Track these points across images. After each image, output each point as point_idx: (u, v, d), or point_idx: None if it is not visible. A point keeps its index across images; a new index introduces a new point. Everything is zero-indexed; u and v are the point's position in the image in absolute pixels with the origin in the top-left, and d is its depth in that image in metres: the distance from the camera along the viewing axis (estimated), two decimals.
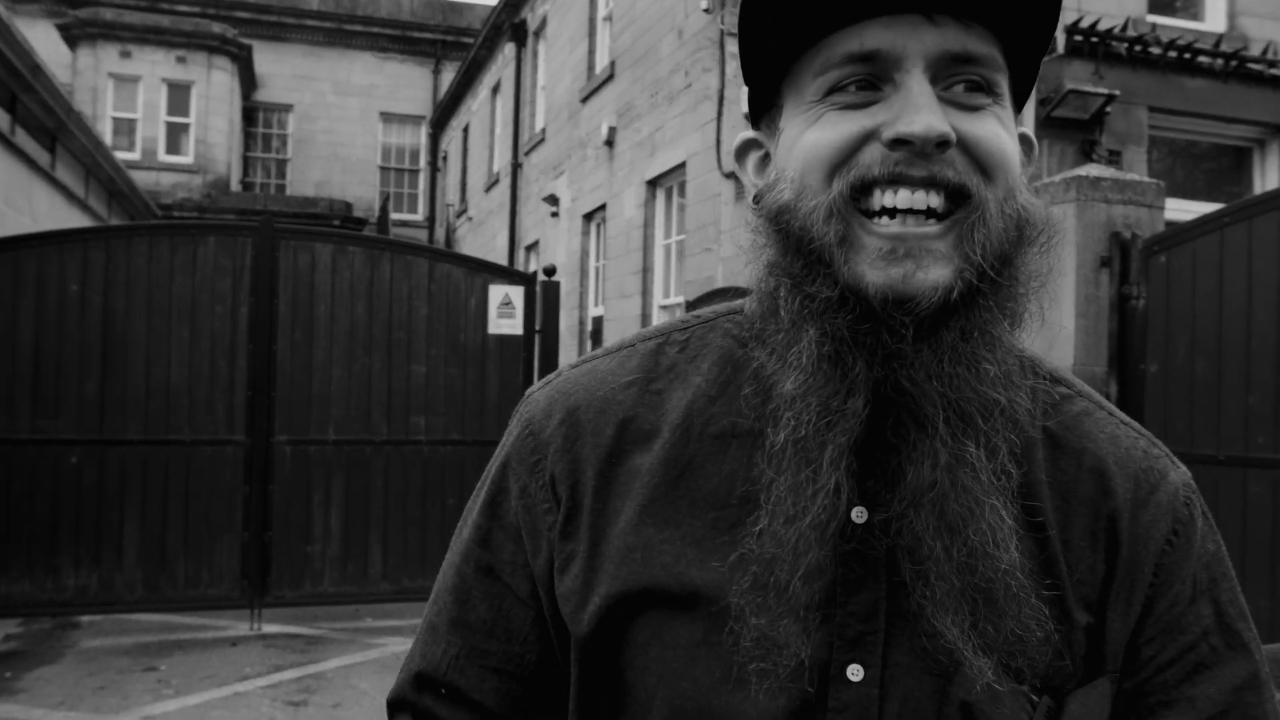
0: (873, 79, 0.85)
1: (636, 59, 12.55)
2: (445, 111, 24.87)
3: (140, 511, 7.13)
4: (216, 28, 21.73)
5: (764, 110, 0.97)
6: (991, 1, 0.83)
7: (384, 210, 23.05)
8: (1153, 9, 11.00)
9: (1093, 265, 5.59)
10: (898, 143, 0.81)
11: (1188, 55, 6.25)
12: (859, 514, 0.87)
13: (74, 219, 11.98)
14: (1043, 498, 0.90)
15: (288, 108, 25.26)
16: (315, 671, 6.38)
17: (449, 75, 25.23)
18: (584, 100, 14.59)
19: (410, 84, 26.08)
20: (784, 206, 0.89)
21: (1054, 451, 0.92)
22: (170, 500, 7.19)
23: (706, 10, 10.16)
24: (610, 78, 13.47)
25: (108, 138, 19.36)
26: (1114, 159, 6.18)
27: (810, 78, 0.88)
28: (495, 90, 20.40)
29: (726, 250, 9.79)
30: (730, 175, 9.71)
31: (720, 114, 9.92)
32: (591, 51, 14.68)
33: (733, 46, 9.77)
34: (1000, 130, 0.85)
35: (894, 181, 0.82)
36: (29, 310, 7.01)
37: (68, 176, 11.57)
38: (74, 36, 20.90)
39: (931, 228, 0.82)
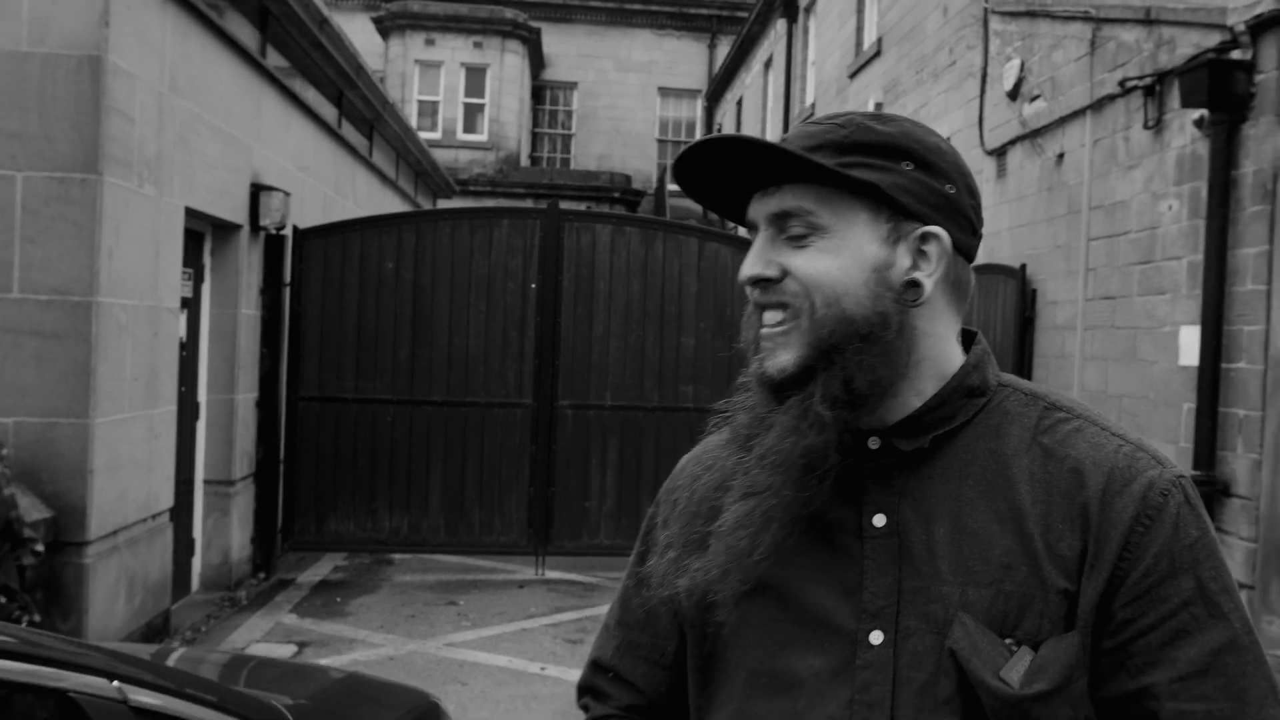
0: (753, 232, 1.20)
1: (902, 36, 12.60)
2: (720, 85, 25.36)
3: (443, 464, 8.08)
4: (509, 13, 23.04)
5: None
6: (794, 177, 1.15)
7: (661, 182, 23.82)
8: None
9: None
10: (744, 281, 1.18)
11: None
12: (879, 520, 1.14)
13: (387, 198, 13.27)
14: (1025, 492, 1.12)
15: (572, 85, 26.45)
16: (591, 614, 7.10)
17: (723, 50, 25.70)
18: (852, 76, 14.70)
19: (686, 59, 26.71)
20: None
21: (1045, 459, 1.14)
22: (468, 455, 8.10)
23: None
24: (877, 54, 13.55)
25: (413, 119, 21.01)
26: None
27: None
28: (767, 65, 20.69)
29: (986, 227, 9.81)
30: (992, 152, 9.71)
31: (983, 91, 9.91)
32: (859, 28, 14.74)
33: (997, 24, 9.72)
34: (812, 259, 1.14)
35: (756, 306, 1.18)
36: (354, 284, 8.05)
37: (381, 160, 12.82)
38: (386, 28, 22.75)
39: (774, 319, 1.16)
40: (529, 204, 21.22)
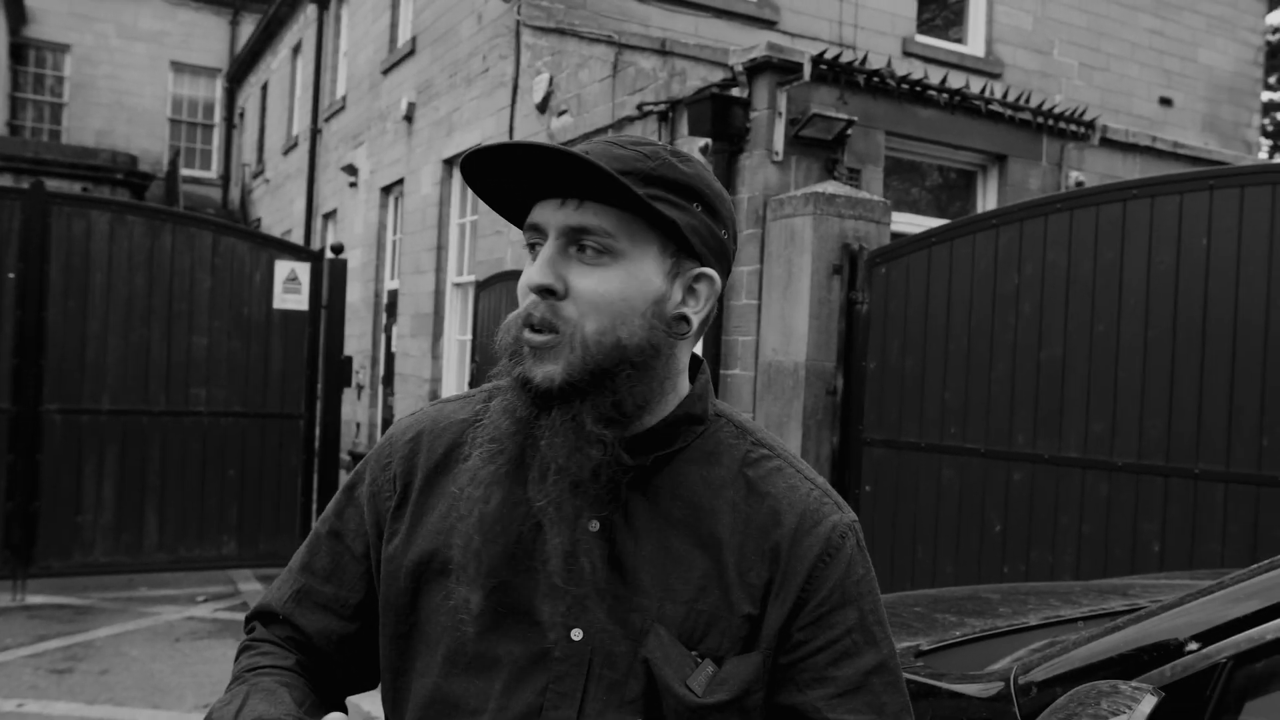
0: (539, 240, 1.25)
1: (437, 37, 12.93)
2: (243, 66, 24.52)
3: None
4: None
5: None
6: (599, 196, 1.21)
7: (174, 166, 22.57)
8: (921, 30, 12.18)
9: (826, 272, 6.44)
10: (530, 287, 1.23)
11: (919, 89, 7.14)
12: (594, 525, 1.24)
13: None
14: (726, 522, 1.26)
15: (64, 48, 24.34)
16: (83, 640, 6.66)
17: (248, 28, 24.88)
18: (385, 73, 14.85)
19: (205, 34, 25.55)
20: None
21: (748, 492, 1.29)
22: None
23: None
24: (411, 53, 13.78)
25: None
26: (854, 177, 7.04)
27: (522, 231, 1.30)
28: (296, 50, 20.32)
29: (516, 234, 10.36)
30: None
31: (514, 101, 10.46)
32: (394, 24, 14.91)
33: (529, 37, 10.30)
34: (603, 281, 1.22)
35: (527, 318, 1.23)
36: None
37: None
38: None
39: (540, 339, 1.22)
40: (8, 181, 19.30)
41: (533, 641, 1.23)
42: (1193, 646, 1.59)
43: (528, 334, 1.23)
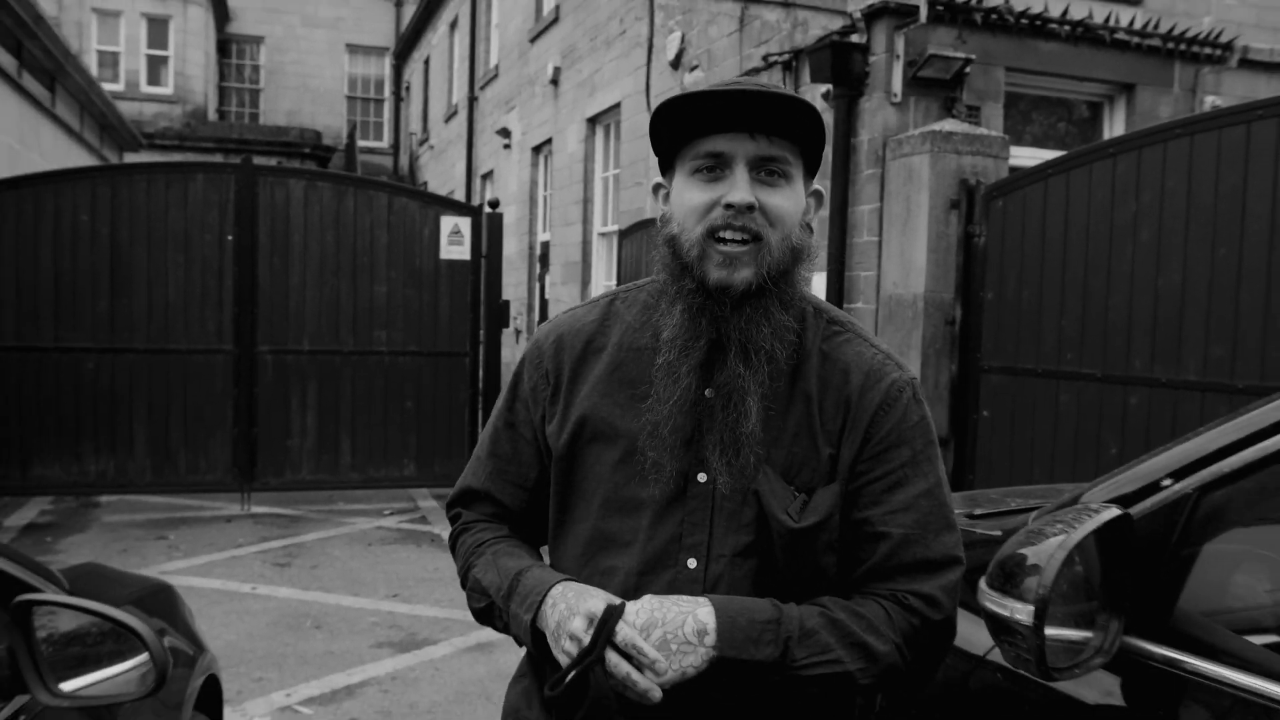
0: (719, 166, 1.37)
1: (578, 4, 12.78)
2: (407, 44, 24.75)
3: (147, 409, 7.67)
4: None
5: (666, 168, 1.48)
6: (784, 130, 1.36)
7: (351, 138, 23.06)
8: None
9: (944, 208, 6.16)
10: (729, 206, 1.35)
11: (1039, 22, 6.72)
12: (710, 392, 1.40)
13: (74, 152, 12.15)
14: (811, 385, 1.43)
15: (259, 40, 25.02)
16: (297, 542, 6.99)
17: (410, 9, 25.03)
18: (532, 40, 14.78)
19: (374, 17, 25.87)
20: (672, 237, 1.42)
21: (824, 361, 1.45)
22: (172, 400, 7.71)
23: None
24: (555, 20, 13.67)
25: (93, 70, 19.21)
26: (973, 114, 6.68)
27: (688, 159, 1.40)
28: (453, 26, 20.39)
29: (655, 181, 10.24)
30: None
31: (649, 61, 10.28)
32: None
33: None
34: (786, 200, 1.38)
35: (727, 227, 1.35)
36: (47, 237, 7.46)
37: (66, 113, 11.72)
38: None
39: (743, 250, 1.36)
40: (219, 159, 19.95)
41: (670, 485, 1.39)
42: (1167, 482, 1.64)
43: (727, 245, 1.36)
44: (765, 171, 1.36)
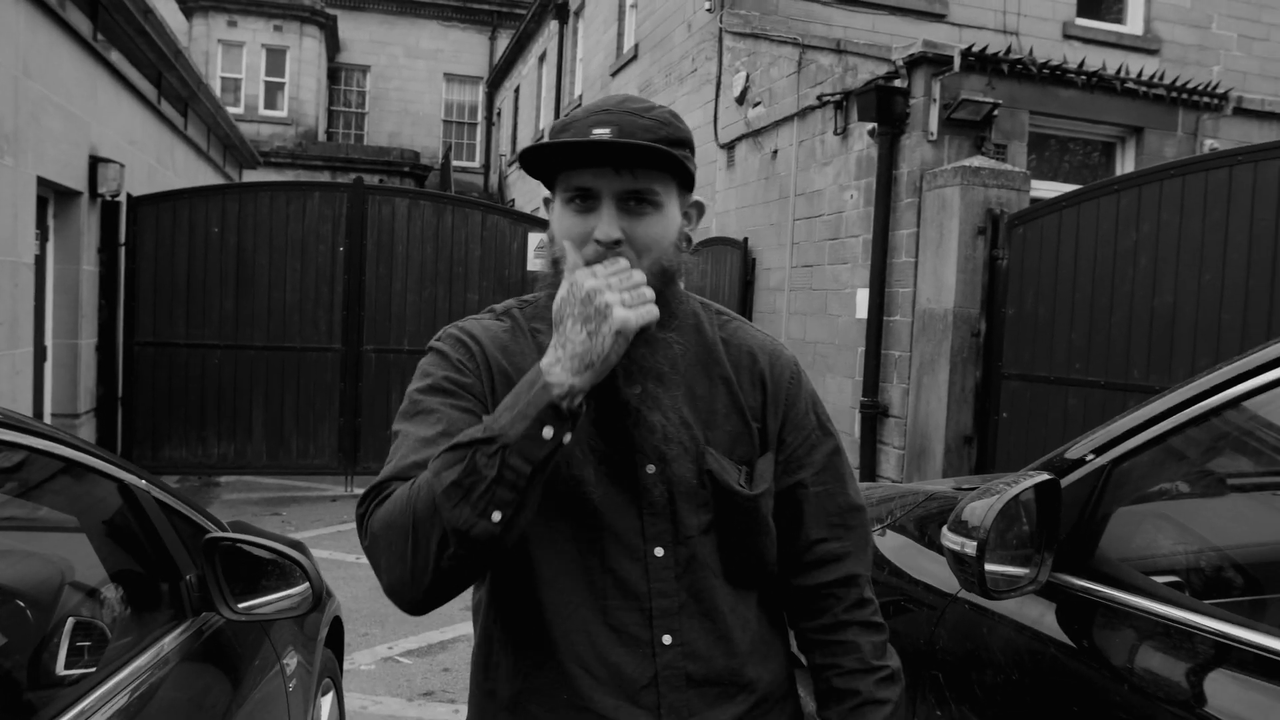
0: (589, 198, 1.31)
1: (655, 44, 13.40)
2: (499, 74, 25.66)
3: (264, 399, 8.41)
4: (307, 0, 22.63)
5: (550, 187, 1.39)
6: (647, 164, 1.29)
7: (446, 159, 24.00)
8: (1081, 13, 11.83)
9: (972, 234, 6.63)
10: (599, 241, 1.29)
11: (1059, 72, 7.17)
12: (636, 389, 1.34)
13: (202, 169, 13.12)
14: (726, 368, 1.45)
15: (366, 68, 26.16)
16: None
17: (503, 42, 25.99)
18: (614, 74, 15.42)
19: (470, 49, 26.84)
20: (555, 259, 1.36)
21: (728, 346, 1.47)
22: (286, 391, 8.45)
23: (709, 10, 11.01)
24: (634, 58, 14.29)
25: (216, 94, 20.42)
26: (1000, 151, 7.14)
27: (562, 187, 1.34)
28: (542, 59, 21.17)
29: (718, 206, 10.78)
30: (724, 146, 10.67)
31: (717, 96, 10.85)
32: (620, 34, 15.45)
33: (729, 41, 10.65)
34: (653, 227, 1.32)
35: (598, 260, 1.26)
36: (184, 245, 8.25)
37: (196, 134, 12.67)
38: (190, 9, 21.92)
39: None
40: (326, 176, 21.03)
41: (622, 480, 1.36)
42: (1090, 457, 1.90)
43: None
44: (633, 202, 1.31)
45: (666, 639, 1.34)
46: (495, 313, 1.48)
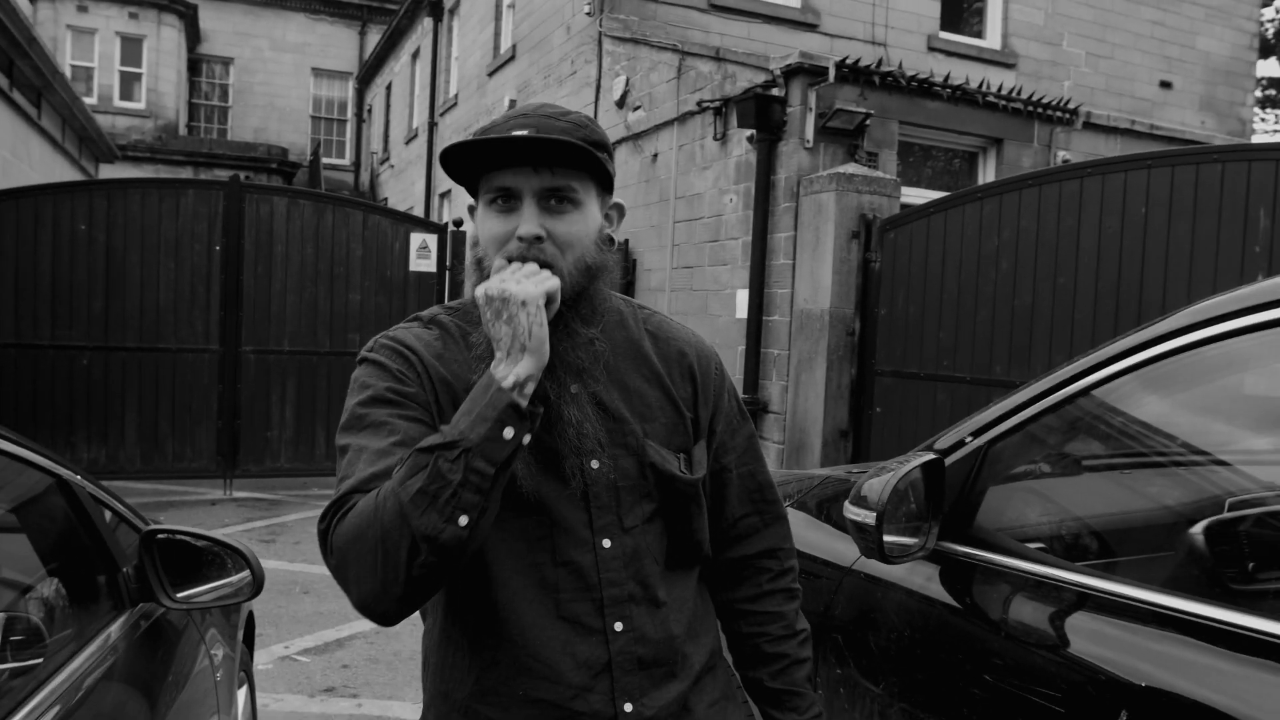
0: (510, 198, 1.36)
1: (533, 45, 13.48)
2: (370, 70, 25.27)
3: (138, 403, 8.21)
4: None
5: (473, 192, 1.44)
6: (565, 163, 1.34)
7: (315, 156, 23.53)
8: (945, 27, 12.48)
9: (847, 238, 7.00)
10: (520, 238, 1.34)
11: (926, 85, 7.62)
12: (576, 388, 1.41)
13: (58, 163, 12.62)
14: (656, 363, 1.50)
15: (229, 61, 25.41)
16: (278, 522, 7.59)
17: (374, 38, 25.62)
18: (490, 74, 15.42)
19: (339, 44, 26.37)
20: (479, 260, 1.41)
21: (655, 340, 1.53)
22: (161, 394, 8.27)
23: (589, 13, 11.19)
24: (512, 58, 14.32)
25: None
26: (872, 159, 7.56)
27: (484, 190, 1.39)
28: (415, 56, 20.96)
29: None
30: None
31: (597, 99, 11.03)
32: (497, 34, 15.42)
33: (609, 45, 10.86)
34: (574, 225, 1.36)
35: (521, 258, 1.33)
36: (47, 243, 7.99)
37: (51, 126, 12.19)
38: None
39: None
40: (189, 172, 20.40)
41: (566, 478, 1.39)
42: (969, 439, 2.14)
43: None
44: (554, 200, 1.35)
45: (618, 626, 1.39)
46: (422, 320, 1.48)
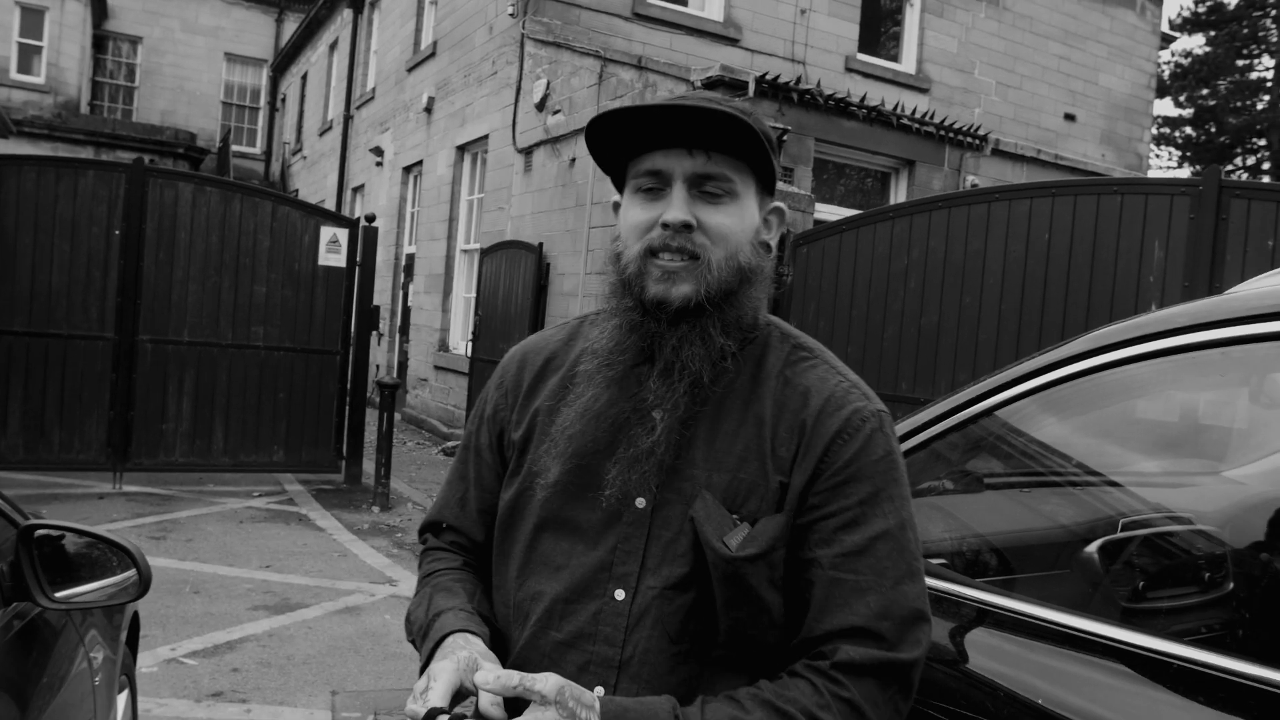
0: (660, 184, 1.26)
1: (455, 43, 13.36)
2: (286, 58, 24.75)
3: (23, 389, 7.85)
4: None
5: (620, 185, 1.36)
6: (724, 146, 1.23)
7: (225, 143, 22.91)
8: (863, 49, 12.73)
9: None
10: (665, 225, 1.23)
11: (842, 104, 7.76)
12: (658, 414, 1.27)
13: None
14: (766, 408, 1.28)
15: (137, 40, 24.59)
16: (170, 518, 7.32)
17: (291, 25, 25.09)
18: (409, 70, 15.24)
19: (254, 29, 25.74)
20: (616, 254, 1.31)
21: (784, 385, 1.30)
22: (49, 381, 7.92)
23: (512, 15, 11.12)
24: (432, 55, 14.18)
25: None
26: (788, 174, 7.66)
27: (631, 177, 1.30)
28: (333, 47, 20.61)
29: (514, 210, 10.90)
30: (522, 151, 10.81)
31: (517, 101, 10.97)
32: (418, 30, 15.26)
33: (531, 48, 10.80)
34: (729, 218, 1.25)
35: (665, 247, 1.24)
36: None
37: None
38: None
39: (681, 265, 1.24)
40: (89, 152, 19.67)
41: (606, 510, 1.27)
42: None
43: (664, 260, 1.25)
44: (706, 188, 1.25)
45: (599, 690, 1.22)
46: (563, 323, 1.49)
